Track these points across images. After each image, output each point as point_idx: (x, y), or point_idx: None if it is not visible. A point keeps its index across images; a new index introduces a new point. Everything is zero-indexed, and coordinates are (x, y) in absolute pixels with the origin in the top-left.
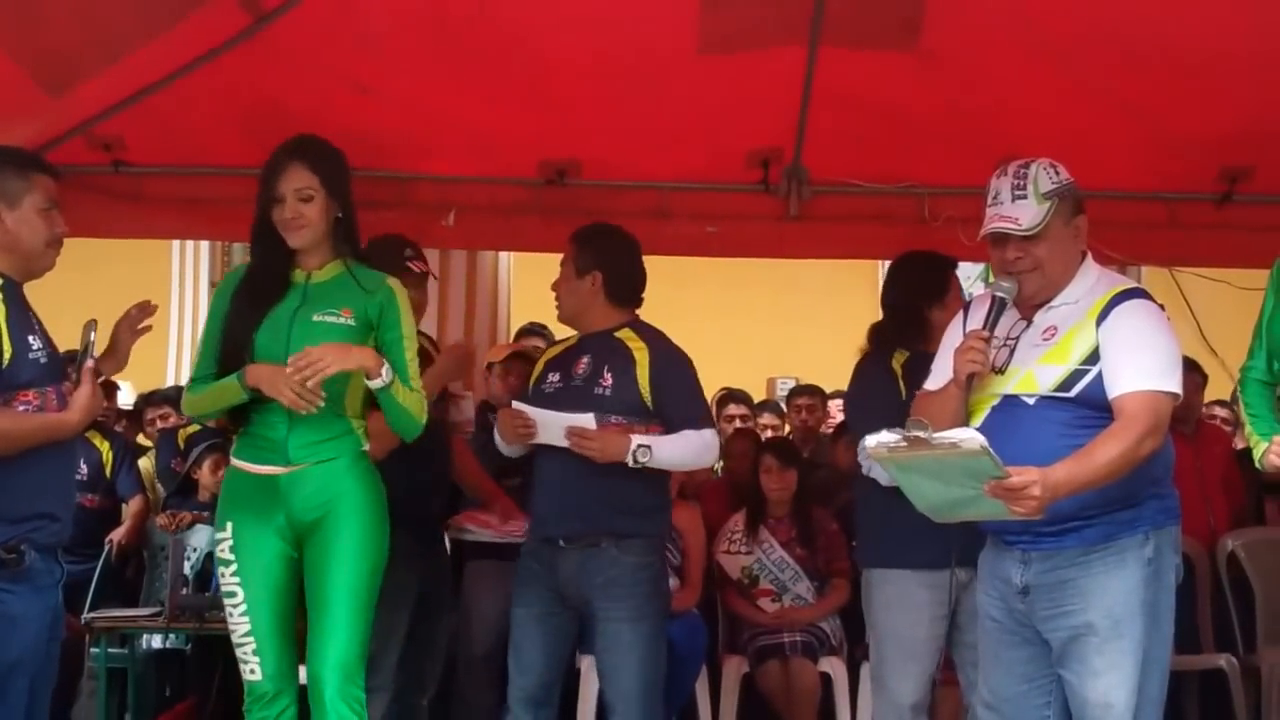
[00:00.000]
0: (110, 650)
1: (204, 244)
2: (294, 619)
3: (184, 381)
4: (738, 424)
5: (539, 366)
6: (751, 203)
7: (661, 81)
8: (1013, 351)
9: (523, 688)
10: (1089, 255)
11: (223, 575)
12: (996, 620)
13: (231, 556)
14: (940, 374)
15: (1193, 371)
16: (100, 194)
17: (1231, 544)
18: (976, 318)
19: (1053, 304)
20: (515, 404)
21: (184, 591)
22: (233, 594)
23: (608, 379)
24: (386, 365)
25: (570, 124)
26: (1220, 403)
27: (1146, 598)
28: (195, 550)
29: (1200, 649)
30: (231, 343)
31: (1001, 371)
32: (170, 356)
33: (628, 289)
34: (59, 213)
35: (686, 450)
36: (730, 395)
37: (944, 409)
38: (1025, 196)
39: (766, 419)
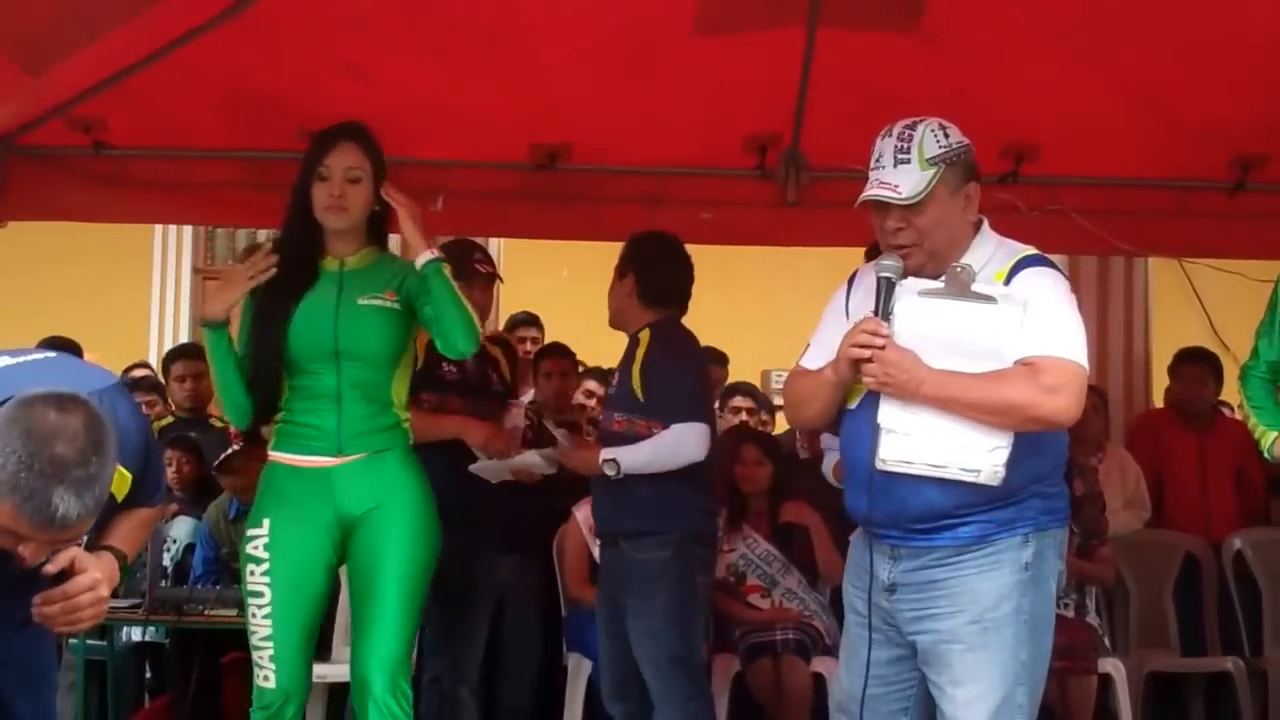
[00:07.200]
0: (89, 642)
1: (187, 228)
2: (319, 627)
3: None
4: (744, 416)
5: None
6: (748, 189)
7: (655, 64)
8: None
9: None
10: (985, 223)
11: (251, 573)
12: (860, 615)
13: (265, 555)
14: (820, 349)
15: (1203, 363)
16: (81, 176)
17: (1238, 543)
18: (861, 291)
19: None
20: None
21: (163, 584)
22: (259, 594)
23: (615, 378)
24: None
25: (561, 107)
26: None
27: (1022, 604)
28: (175, 542)
29: (1205, 651)
30: (264, 332)
31: None
32: (152, 342)
33: (660, 291)
34: None
35: (656, 453)
36: (736, 387)
37: (817, 393)
38: (909, 161)
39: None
